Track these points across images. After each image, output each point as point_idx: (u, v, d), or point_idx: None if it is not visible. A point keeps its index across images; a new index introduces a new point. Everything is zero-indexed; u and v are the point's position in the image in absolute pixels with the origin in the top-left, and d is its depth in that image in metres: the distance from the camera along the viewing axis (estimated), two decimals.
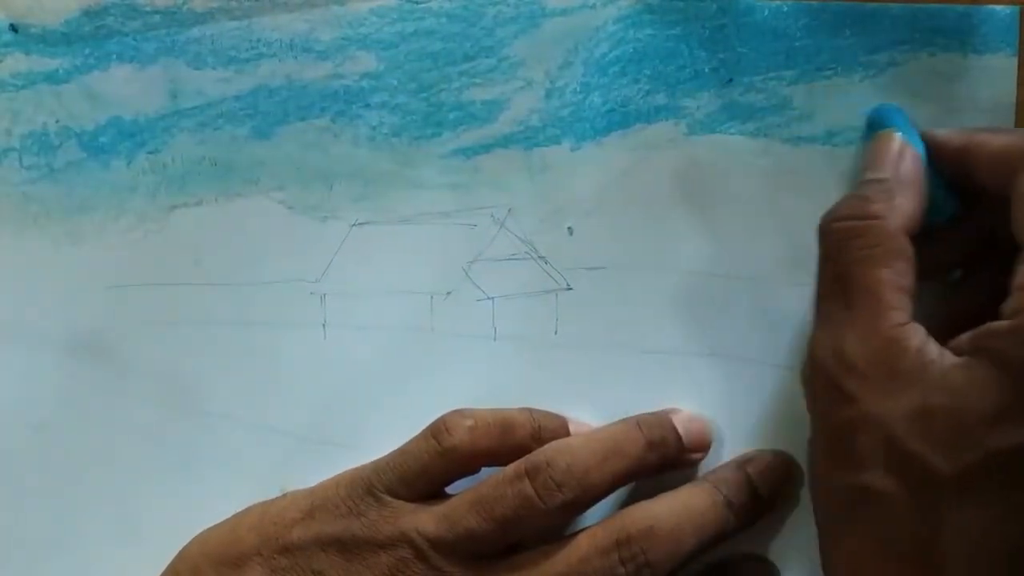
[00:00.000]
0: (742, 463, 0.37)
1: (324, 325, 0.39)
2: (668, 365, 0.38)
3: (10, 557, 0.38)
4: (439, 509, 0.35)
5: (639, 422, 0.36)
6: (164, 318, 0.39)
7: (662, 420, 0.37)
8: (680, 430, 0.37)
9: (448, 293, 0.39)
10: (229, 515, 0.37)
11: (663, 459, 0.36)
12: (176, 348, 0.39)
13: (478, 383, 0.39)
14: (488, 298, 0.39)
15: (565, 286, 0.39)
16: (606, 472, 0.35)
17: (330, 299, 0.39)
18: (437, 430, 0.36)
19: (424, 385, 0.39)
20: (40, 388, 0.38)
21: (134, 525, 0.39)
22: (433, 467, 0.35)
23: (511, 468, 0.35)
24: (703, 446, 0.37)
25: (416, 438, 0.36)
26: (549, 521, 0.34)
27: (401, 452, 0.36)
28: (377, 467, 0.36)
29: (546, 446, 0.35)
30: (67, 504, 0.39)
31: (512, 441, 0.36)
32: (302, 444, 0.39)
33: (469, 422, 0.35)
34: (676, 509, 0.35)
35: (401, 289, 0.39)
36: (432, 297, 0.39)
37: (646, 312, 0.38)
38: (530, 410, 0.37)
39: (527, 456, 0.35)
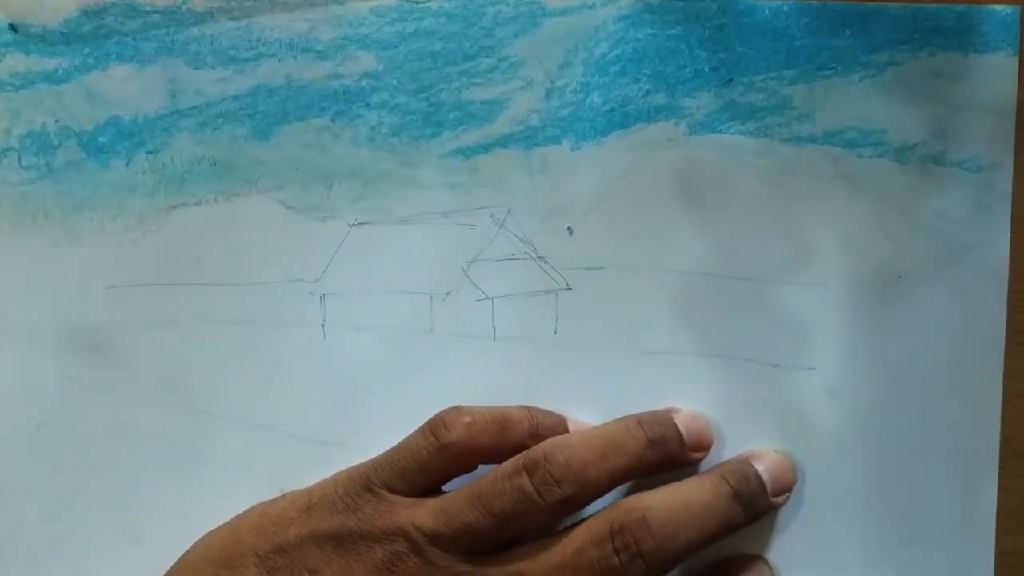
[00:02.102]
0: (748, 458, 0.37)
1: (324, 325, 0.39)
2: (668, 365, 0.38)
3: (10, 557, 0.38)
4: (436, 503, 0.35)
5: (640, 420, 0.36)
6: (164, 318, 0.38)
7: (663, 418, 0.37)
8: (681, 428, 0.37)
9: (448, 293, 0.39)
10: (229, 515, 0.37)
11: (663, 457, 0.36)
12: (176, 348, 0.39)
13: (478, 383, 0.38)
14: (488, 298, 0.39)
15: (565, 286, 0.39)
16: (605, 469, 0.35)
17: (329, 299, 0.39)
18: (435, 426, 0.36)
19: (424, 385, 0.39)
20: (40, 388, 0.38)
21: (134, 525, 0.39)
22: (431, 463, 0.35)
23: (509, 463, 0.35)
24: (704, 445, 0.37)
25: (414, 434, 0.36)
26: (547, 517, 0.34)
27: (399, 448, 0.36)
28: (375, 464, 0.36)
29: (545, 442, 0.35)
30: (67, 504, 0.39)
31: (510, 438, 0.36)
32: (302, 444, 0.39)
33: (467, 418, 0.35)
34: (671, 500, 0.35)
35: (400, 289, 0.39)
36: (432, 297, 0.39)
37: (646, 312, 0.38)
38: (528, 408, 0.37)
39: (525, 452, 0.35)
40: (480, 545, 0.34)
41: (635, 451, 0.35)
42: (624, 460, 0.35)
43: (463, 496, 0.35)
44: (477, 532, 0.34)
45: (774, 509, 0.37)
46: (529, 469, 0.34)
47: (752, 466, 0.37)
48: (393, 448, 0.36)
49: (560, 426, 0.37)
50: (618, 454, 0.35)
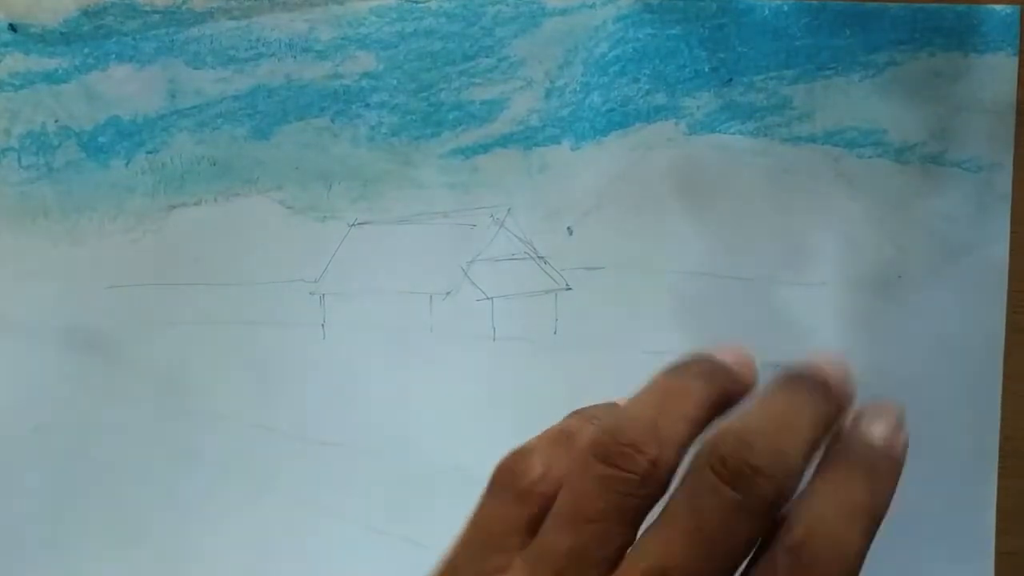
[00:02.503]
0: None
1: (323, 325, 0.39)
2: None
3: (10, 557, 0.38)
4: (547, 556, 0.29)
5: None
6: (163, 318, 0.38)
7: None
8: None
9: (447, 293, 0.39)
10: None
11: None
12: (175, 348, 0.38)
13: (478, 383, 0.38)
14: (487, 298, 0.39)
15: (565, 286, 0.39)
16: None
17: (329, 299, 0.39)
18: (506, 477, 0.31)
19: (423, 385, 0.38)
20: (39, 388, 0.38)
21: (133, 525, 0.39)
22: (517, 518, 0.30)
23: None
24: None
25: (483, 501, 0.31)
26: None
27: (473, 524, 0.31)
28: (449, 567, 0.30)
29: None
30: (66, 504, 0.38)
31: (580, 445, 0.30)
32: (301, 444, 0.39)
33: (533, 455, 0.31)
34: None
35: (400, 289, 0.39)
36: (431, 297, 0.39)
37: (646, 312, 0.38)
38: (575, 412, 0.33)
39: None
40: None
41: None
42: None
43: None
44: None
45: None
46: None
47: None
48: (464, 531, 0.31)
49: (615, 411, 0.34)
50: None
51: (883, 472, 0.31)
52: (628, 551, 0.29)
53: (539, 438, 0.32)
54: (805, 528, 0.29)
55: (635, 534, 0.30)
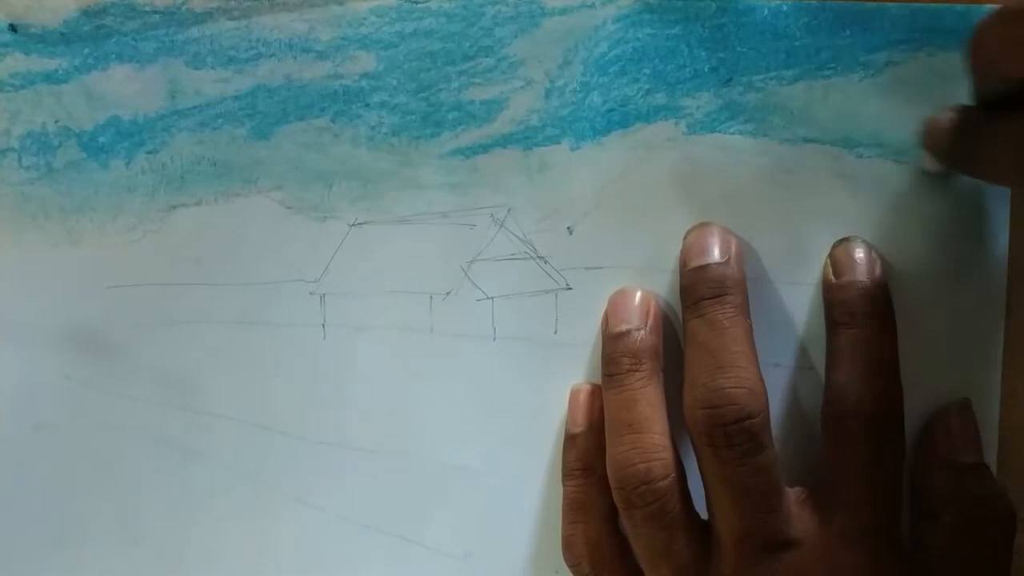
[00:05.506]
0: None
1: (323, 325, 0.39)
2: None
3: (10, 557, 0.39)
4: None
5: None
6: (163, 318, 0.39)
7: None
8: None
9: (447, 293, 0.39)
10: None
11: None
12: (175, 348, 0.39)
13: (478, 383, 0.39)
14: (488, 298, 0.39)
15: (565, 286, 0.39)
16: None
17: (329, 299, 0.39)
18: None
19: (423, 385, 0.39)
20: (39, 388, 0.38)
21: (134, 525, 0.39)
22: None
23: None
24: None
25: None
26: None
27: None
28: None
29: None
30: (67, 504, 0.39)
31: (604, 496, 0.36)
32: (302, 444, 0.39)
33: (570, 548, 0.36)
34: (702, 362, 0.34)
35: (400, 289, 0.39)
36: (431, 297, 0.39)
37: None
38: (578, 471, 0.37)
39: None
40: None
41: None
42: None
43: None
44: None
45: None
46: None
47: None
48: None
49: (594, 435, 0.37)
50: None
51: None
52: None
53: (566, 527, 0.37)
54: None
55: None
